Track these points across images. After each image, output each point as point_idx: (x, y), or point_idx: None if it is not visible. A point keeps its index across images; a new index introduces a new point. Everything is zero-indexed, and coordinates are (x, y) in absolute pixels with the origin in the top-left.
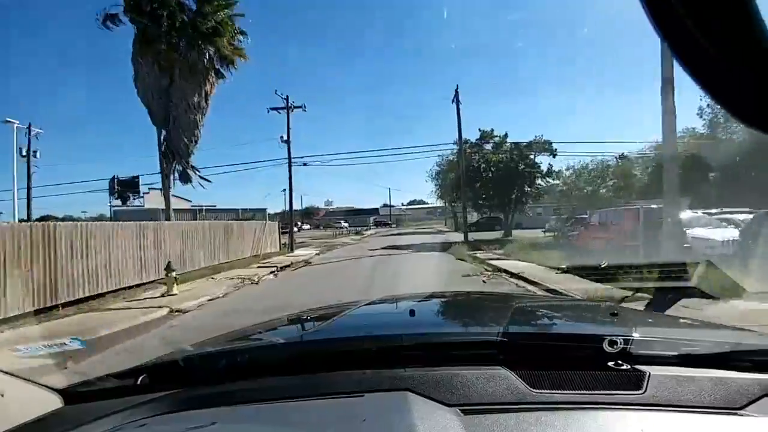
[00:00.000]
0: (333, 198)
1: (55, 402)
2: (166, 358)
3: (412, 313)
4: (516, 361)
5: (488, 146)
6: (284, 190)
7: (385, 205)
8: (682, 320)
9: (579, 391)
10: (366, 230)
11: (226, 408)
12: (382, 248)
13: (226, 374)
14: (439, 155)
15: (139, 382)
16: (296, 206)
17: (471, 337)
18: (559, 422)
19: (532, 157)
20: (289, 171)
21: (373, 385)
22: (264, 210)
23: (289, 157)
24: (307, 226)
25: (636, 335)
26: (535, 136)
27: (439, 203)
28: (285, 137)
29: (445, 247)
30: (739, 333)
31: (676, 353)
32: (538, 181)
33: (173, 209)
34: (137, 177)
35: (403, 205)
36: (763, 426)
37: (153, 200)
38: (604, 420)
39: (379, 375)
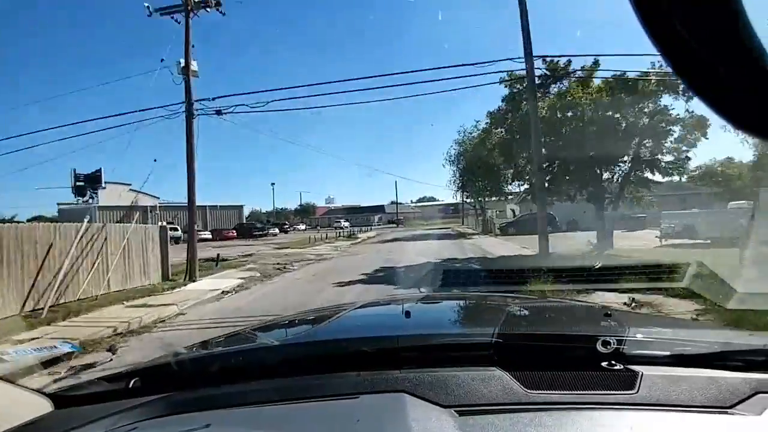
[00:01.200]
0: (336, 195)
1: (44, 406)
2: (158, 361)
3: (407, 314)
4: (511, 362)
5: (558, 87)
6: (273, 184)
7: (392, 203)
8: (674, 320)
9: (573, 392)
10: (366, 231)
11: (219, 411)
12: (365, 276)
13: (220, 377)
14: (458, 131)
15: (130, 386)
16: (293, 204)
17: (466, 339)
18: (553, 422)
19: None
20: (188, 121)
21: (368, 386)
22: (240, 207)
23: (188, 99)
24: (303, 226)
25: (629, 336)
26: (652, 64)
27: (457, 198)
28: (183, 63)
29: None
30: (730, 333)
31: (668, 353)
32: (670, 141)
33: (119, 206)
34: (99, 170)
35: (412, 202)
36: (751, 424)
37: (110, 197)
38: (597, 420)
39: (374, 376)
